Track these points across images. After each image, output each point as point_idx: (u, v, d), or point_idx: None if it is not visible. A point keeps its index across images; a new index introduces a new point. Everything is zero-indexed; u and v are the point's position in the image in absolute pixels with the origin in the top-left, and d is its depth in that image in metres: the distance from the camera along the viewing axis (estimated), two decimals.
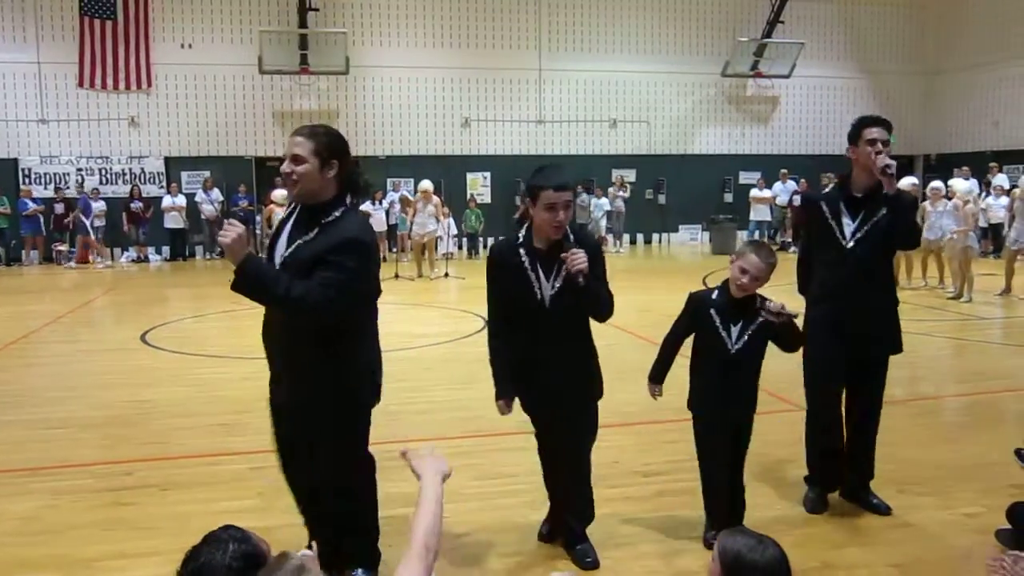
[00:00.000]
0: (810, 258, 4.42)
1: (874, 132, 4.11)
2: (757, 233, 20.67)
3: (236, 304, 11.82)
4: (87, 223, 18.25)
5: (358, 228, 3.24)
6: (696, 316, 3.92)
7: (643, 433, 5.33)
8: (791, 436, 4.49)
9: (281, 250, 3.26)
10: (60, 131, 19.26)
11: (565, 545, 3.87)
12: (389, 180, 19.99)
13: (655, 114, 22.32)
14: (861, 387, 4.30)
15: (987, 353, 8.90)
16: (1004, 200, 16.16)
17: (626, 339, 8.39)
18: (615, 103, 21.99)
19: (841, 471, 4.38)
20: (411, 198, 16.15)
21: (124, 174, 19.64)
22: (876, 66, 23.27)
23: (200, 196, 19.38)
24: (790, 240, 20.34)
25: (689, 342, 4.02)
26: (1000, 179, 18.42)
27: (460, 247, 19.98)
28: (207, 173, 19.60)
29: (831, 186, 4.36)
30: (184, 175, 19.77)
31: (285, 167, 3.21)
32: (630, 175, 21.88)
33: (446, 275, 15.60)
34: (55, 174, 19.26)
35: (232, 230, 2.98)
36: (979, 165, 19.37)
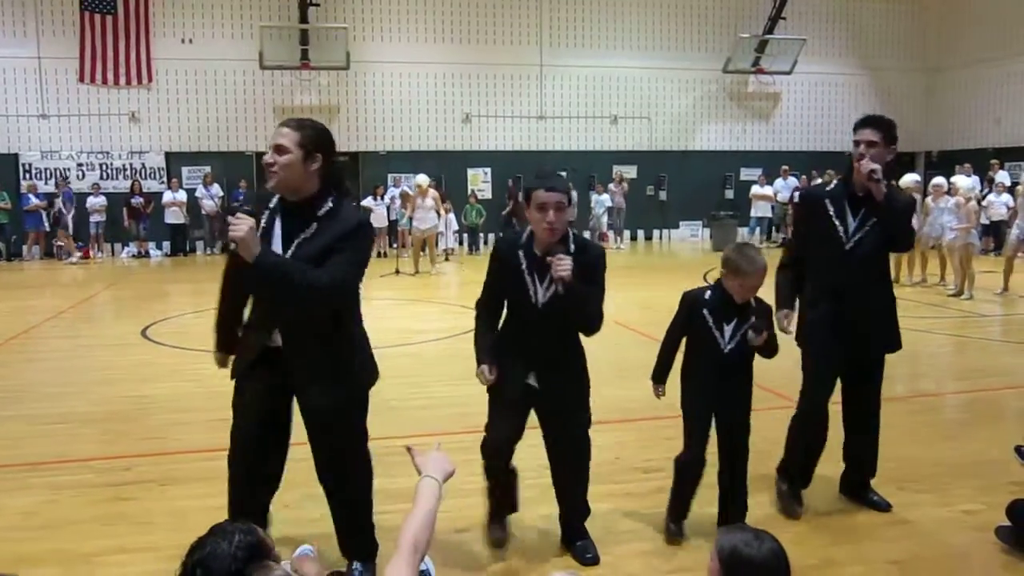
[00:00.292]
0: (802, 257, 4.31)
1: (859, 133, 4.07)
2: (759, 230, 20.69)
3: None
4: (68, 218, 18.22)
5: (360, 215, 3.37)
6: (690, 315, 3.91)
7: (644, 429, 5.33)
8: None
9: (278, 250, 3.20)
10: (60, 126, 19.26)
11: (564, 542, 3.87)
12: (390, 176, 19.99)
13: (656, 110, 22.30)
14: (861, 386, 4.28)
15: (987, 350, 8.90)
16: (1006, 197, 16.15)
17: (627, 335, 8.39)
18: (616, 99, 21.97)
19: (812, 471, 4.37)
20: (411, 193, 16.16)
21: (124, 169, 19.64)
22: (878, 63, 23.24)
23: (200, 191, 19.38)
24: (791, 236, 20.34)
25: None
26: (1001, 176, 18.41)
27: (461, 242, 19.98)
28: (207, 168, 19.59)
29: (834, 183, 4.28)
30: (184, 170, 19.76)
31: (267, 157, 3.18)
32: (631, 171, 21.87)
33: (446, 258, 15.58)
34: (55, 169, 19.26)
35: (242, 223, 2.96)
36: (981, 162, 19.37)
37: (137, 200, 18.95)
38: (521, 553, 3.87)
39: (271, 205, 3.27)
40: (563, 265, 3.37)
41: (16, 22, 18.84)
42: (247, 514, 3.26)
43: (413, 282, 14.47)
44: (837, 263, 4.10)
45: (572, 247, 3.52)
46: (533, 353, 3.62)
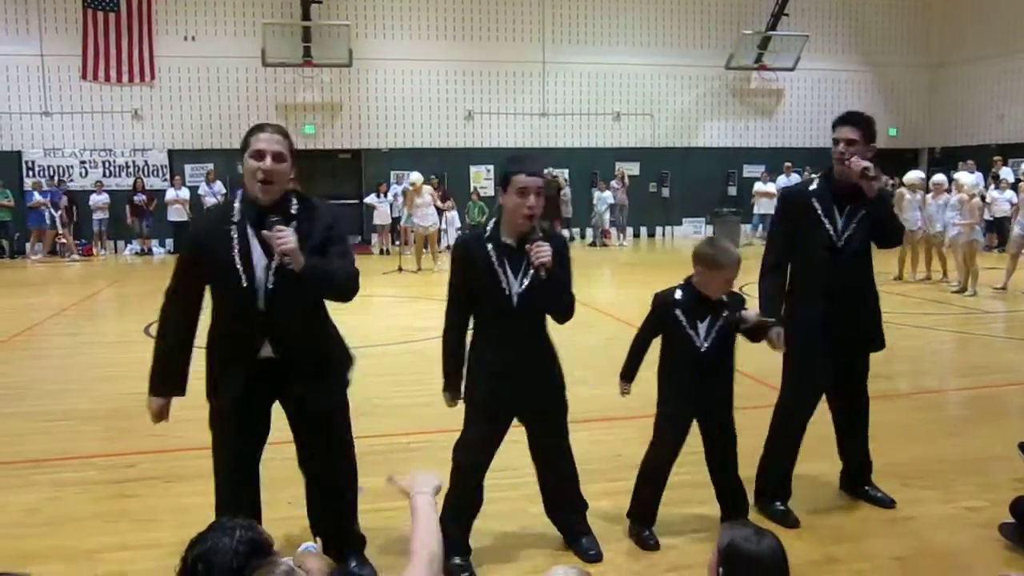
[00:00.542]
0: (785, 259, 4.19)
1: (838, 131, 4.01)
2: (761, 227, 20.65)
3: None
4: (56, 216, 18.20)
5: (331, 208, 3.36)
6: (662, 317, 3.86)
7: (645, 427, 5.30)
8: None
9: (262, 259, 3.16)
10: (63, 124, 19.27)
11: (567, 540, 3.86)
12: (392, 173, 19.99)
13: (659, 107, 22.27)
14: (849, 386, 4.23)
15: (991, 347, 8.89)
16: (1009, 194, 16.11)
17: (629, 332, 8.36)
18: (619, 96, 21.95)
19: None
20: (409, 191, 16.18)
21: (127, 167, 19.66)
22: (881, 59, 23.19)
23: (203, 189, 19.37)
24: (773, 239, 20.25)
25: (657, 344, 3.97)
26: (1005, 172, 18.37)
27: None
28: (210, 166, 19.60)
29: (816, 182, 4.17)
30: (187, 168, 19.77)
31: (266, 166, 3.10)
32: (633, 168, 21.86)
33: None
34: (58, 167, 19.28)
35: (289, 234, 3.00)
36: (984, 158, 19.33)
37: (140, 197, 18.97)
38: (523, 549, 3.87)
39: (235, 219, 3.19)
40: (543, 250, 3.32)
41: (19, 19, 18.85)
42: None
43: (416, 279, 14.47)
44: (829, 262, 4.02)
45: (540, 235, 3.43)
46: (509, 351, 3.50)
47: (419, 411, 6.08)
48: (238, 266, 3.16)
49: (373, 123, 20.65)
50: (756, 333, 3.89)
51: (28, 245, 18.61)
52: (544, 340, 3.62)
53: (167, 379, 3.34)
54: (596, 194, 20.65)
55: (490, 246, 3.49)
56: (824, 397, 4.26)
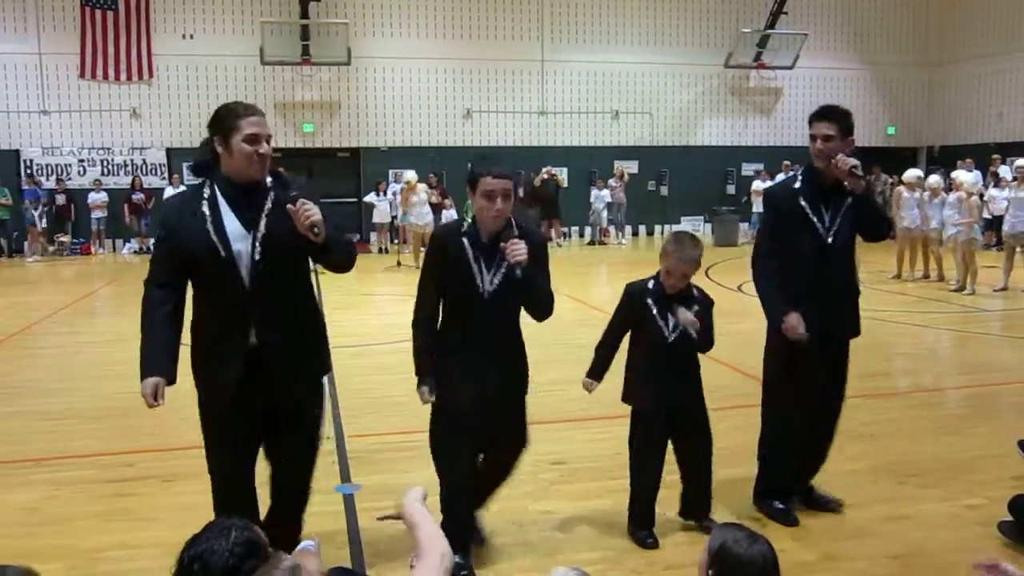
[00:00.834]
0: (767, 252, 4.16)
1: (814, 127, 4.00)
2: (759, 225, 20.65)
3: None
4: (35, 215, 18.13)
5: (303, 183, 3.31)
6: (634, 306, 3.90)
7: None
8: None
9: (241, 232, 3.12)
10: (62, 122, 19.25)
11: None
12: (391, 171, 19.98)
13: (657, 105, 22.27)
14: (835, 382, 4.18)
15: (989, 345, 8.89)
16: (1007, 191, 16.11)
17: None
18: (617, 94, 21.94)
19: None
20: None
21: (125, 165, 19.64)
22: (879, 57, 23.19)
23: None
24: (763, 241, 20.22)
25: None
26: (1004, 171, 18.37)
27: None
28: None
29: (799, 180, 4.14)
30: (185, 166, 19.66)
31: (264, 149, 3.11)
32: (632, 167, 21.85)
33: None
34: (57, 165, 19.26)
35: (313, 206, 3.02)
36: (982, 157, 19.33)
37: (138, 196, 18.95)
38: (523, 548, 3.87)
39: (206, 196, 3.16)
40: (518, 249, 3.29)
41: (17, 18, 18.82)
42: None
43: (414, 277, 14.46)
44: (820, 259, 4.00)
45: (516, 232, 3.40)
46: (477, 346, 3.47)
47: (417, 409, 6.07)
48: (213, 238, 3.10)
49: (372, 121, 20.64)
50: (700, 341, 3.85)
51: (26, 244, 18.58)
52: (513, 338, 3.60)
53: (148, 360, 3.21)
54: (594, 192, 20.64)
55: (466, 241, 3.47)
56: None
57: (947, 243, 12.22)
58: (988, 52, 21.71)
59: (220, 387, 3.24)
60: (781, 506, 4.17)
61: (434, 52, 20.62)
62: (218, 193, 3.15)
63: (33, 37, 18.86)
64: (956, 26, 22.87)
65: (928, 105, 23.57)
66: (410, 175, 15.60)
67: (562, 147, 21.47)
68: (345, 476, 4.80)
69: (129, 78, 19.37)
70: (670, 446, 3.98)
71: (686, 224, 22.44)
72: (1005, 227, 12.25)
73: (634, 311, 3.91)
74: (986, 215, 14.83)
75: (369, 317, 9.59)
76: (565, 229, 21.02)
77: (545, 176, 19.85)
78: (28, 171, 18.99)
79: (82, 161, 19.42)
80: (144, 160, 19.72)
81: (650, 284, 3.92)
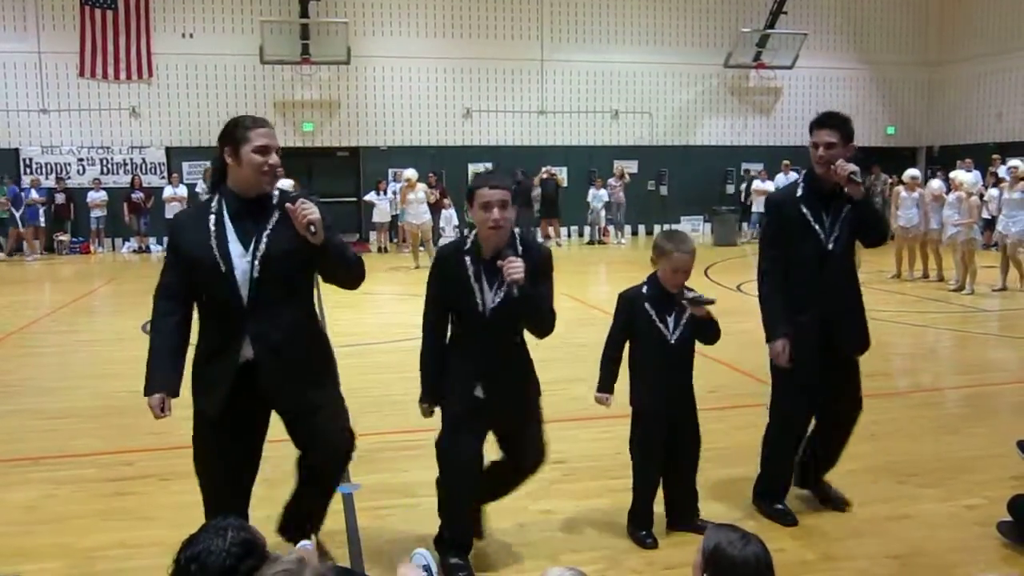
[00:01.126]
0: (779, 265, 4.14)
1: (816, 135, 4.00)
2: (759, 226, 20.63)
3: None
4: (16, 215, 18.06)
5: (308, 196, 3.30)
6: (631, 314, 3.88)
7: None
8: None
9: (239, 248, 3.14)
10: (61, 121, 19.24)
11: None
12: (391, 170, 19.97)
13: (657, 105, 22.26)
14: (842, 387, 4.17)
15: (989, 345, 8.90)
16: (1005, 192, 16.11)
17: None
18: (617, 94, 21.93)
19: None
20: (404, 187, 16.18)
21: (125, 164, 19.63)
22: (879, 57, 23.19)
23: (201, 186, 19.30)
24: (766, 249, 20.21)
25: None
26: (1003, 171, 18.37)
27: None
28: (208, 163, 19.49)
29: (800, 186, 4.15)
30: (185, 165, 19.74)
31: (273, 160, 3.14)
32: (632, 166, 21.84)
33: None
34: (56, 164, 19.25)
35: (313, 206, 3.01)
36: (982, 157, 19.33)
37: (137, 195, 18.94)
38: (523, 548, 3.87)
39: (214, 209, 3.19)
40: (515, 267, 3.26)
41: (16, 17, 18.81)
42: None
43: (415, 276, 14.47)
44: (820, 265, 4.01)
45: (519, 248, 3.42)
46: (480, 363, 3.49)
47: (415, 408, 6.07)
48: (215, 253, 3.12)
49: (371, 121, 20.63)
50: (708, 331, 3.86)
51: (25, 243, 18.56)
52: (519, 353, 3.59)
53: (154, 376, 3.22)
54: (591, 192, 20.60)
55: (468, 259, 3.48)
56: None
57: (946, 243, 12.22)
58: (987, 52, 21.71)
59: (206, 409, 3.26)
60: (780, 506, 4.17)
61: (434, 51, 20.62)
62: (224, 208, 3.18)
63: (32, 36, 18.85)
64: (956, 26, 22.87)
65: (928, 105, 23.57)
66: (410, 173, 15.61)
67: (562, 146, 21.47)
68: (344, 475, 4.79)
69: (128, 77, 19.36)
70: None
71: (685, 224, 22.43)
72: (998, 227, 12.26)
73: (632, 318, 3.89)
74: (985, 215, 14.83)
75: (368, 316, 9.58)
76: (564, 229, 21.03)
77: (544, 176, 19.85)
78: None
79: (81, 160, 19.41)
80: (143, 159, 19.71)
81: (644, 289, 3.91)
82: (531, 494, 4.31)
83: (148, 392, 3.21)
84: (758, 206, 20.60)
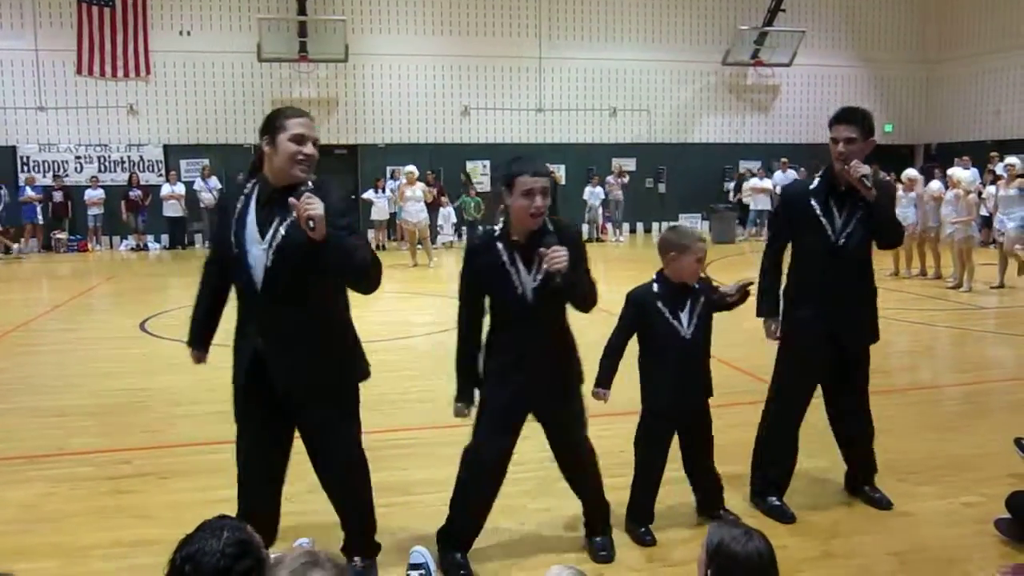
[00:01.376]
0: (781, 255, 4.25)
1: (835, 130, 3.98)
2: (758, 223, 20.64)
3: (234, 292, 11.82)
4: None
5: (340, 189, 3.34)
6: (642, 312, 3.87)
7: (634, 423, 5.33)
8: None
9: (255, 236, 3.16)
10: (58, 119, 19.20)
11: (586, 535, 3.84)
12: (389, 168, 19.95)
13: (655, 103, 22.26)
14: (848, 383, 4.21)
15: (987, 342, 8.90)
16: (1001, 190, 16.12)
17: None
18: (615, 91, 21.93)
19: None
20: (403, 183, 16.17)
21: (123, 162, 19.59)
22: (877, 55, 23.19)
23: (199, 184, 19.34)
24: (773, 238, 20.26)
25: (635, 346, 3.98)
26: (1001, 168, 18.38)
27: (460, 236, 19.94)
28: (206, 161, 19.55)
29: (816, 180, 4.15)
30: (183, 163, 19.71)
31: (309, 150, 3.15)
32: (630, 164, 21.83)
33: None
34: (54, 162, 19.22)
35: (317, 202, 2.96)
36: (980, 154, 19.33)
37: (135, 193, 18.91)
38: (522, 546, 3.86)
39: (246, 192, 3.26)
40: (559, 257, 3.25)
41: (13, 14, 18.76)
42: (261, 520, 3.28)
43: (412, 274, 14.48)
44: (826, 261, 4.02)
45: (550, 228, 3.43)
46: (522, 348, 3.46)
47: (413, 407, 6.08)
48: (231, 235, 3.20)
49: (369, 118, 20.60)
50: (737, 304, 3.94)
51: (22, 240, 18.55)
52: (561, 335, 3.58)
53: (191, 332, 3.60)
54: (587, 190, 20.58)
55: (500, 245, 3.46)
56: (823, 396, 4.26)
57: (945, 241, 12.23)
58: (985, 50, 21.72)
59: (235, 377, 3.39)
60: (776, 503, 4.18)
61: (432, 49, 20.60)
62: (254, 194, 3.22)
63: (30, 33, 18.81)
64: (953, 24, 22.88)
65: (925, 103, 23.57)
66: (410, 168, 15.60)
67: (560, 144, 21.45)
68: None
69: (126, 75, 19.33)
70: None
71: (684, 221, 22.43)
72: (995, 224, 12.27)
73: (642, 317, 3.88)
74: (983, 212, 14.84)
75: (368, 314, 9.52)
76: None
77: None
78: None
79: (79, 158, 19.37)
80: (141, 157, 19.67)
81: (654, 287, 3.90)
82: (529, 492, 4.31)
83: (188, 344, 3.61)
84: (756, 204, 20.63)
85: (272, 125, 3.19)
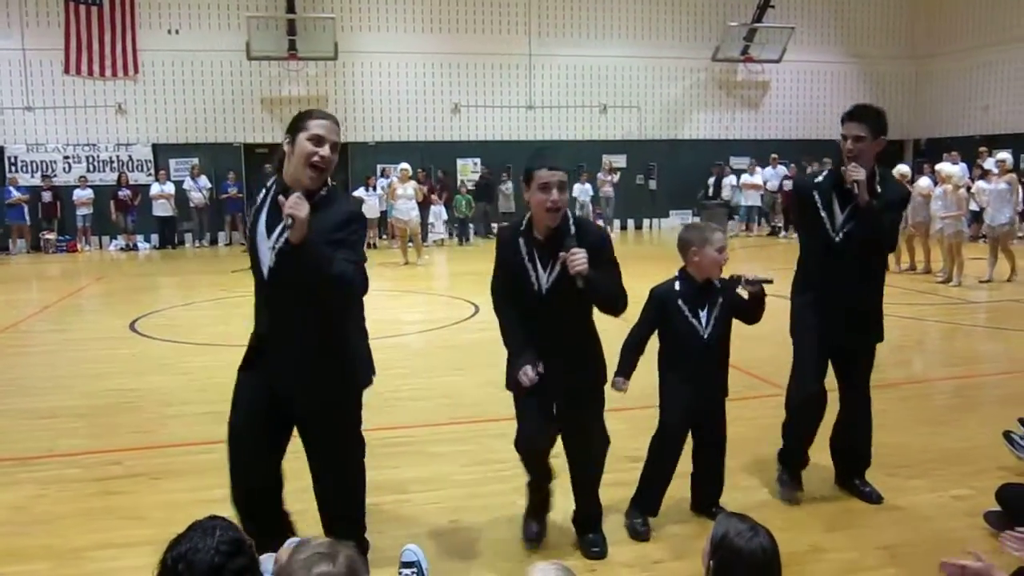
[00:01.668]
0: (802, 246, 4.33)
1: (845, 127, 4.02)
2: (747, 220, 20.70)
3: (225, 292, 11.80)
4: None
5: (354, 203, 3.35)
6: (663, 310, 3.90)
7: (633, 419, 5.32)
8: (779, 420, 4.49)
9: (264, 237, 3.18)
10: (46, 118, 19.10)
11: (577, 533, 3.85)
12: (379, 166, 19.91)
13: (645, 99, 22.27)
14: (848, 378, 4.26)
15: (976, 336, 8.94)
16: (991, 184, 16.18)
17: (617, 325, 8.39)
18: (605, 88, 21.93)
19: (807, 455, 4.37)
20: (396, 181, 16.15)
21: (111, 161, 19.50)
22: (866, 51, 23.27)
23: (188, 184, 19.27)
24: (780, 225, 20.37)
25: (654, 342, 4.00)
26: (990, 163, 18.46)
27: (451, 234, 19.93)
28: (195, 160, 19.49)
29: (824, 174, 4.22)
30: (172, 162, 19.64)
31: (325, 152, 3.12)
32: (620, 160, 21.85)
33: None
34: (42, 162, 19.12)
35: (303, 203, 2.94)
36: (969, 150, 19.41)
37: (124, 192, 18.82)
38: (516, 544, 3.86)
39: (268, 186, 3.30)
40: (578, 259, 3.30)
41: None
42: (253, 513, 3.27)
43: (403, 272, 14.46)
44: (825, 255, 4.06)
45: (573, 229, 3.46)
46: (543, 342, 3.52)
47: (404, 405, 6.08)
48: (248, 228, 3.30)
49: (359, 117, 20.56)
50: (755, 310, 3.91)
51: (10, 242, 18.45)
52: (579, 333, 3.61)
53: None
54: (576, 187, 20.57)
55: (521, 241, 3.53)
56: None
57: (934, 236, 12.27)
58: (974, 45, 21.80)
59: (244, 361, 3.38)
60: (784, 478, 4.30)
61: (421, 47, 20.57)
62: (272, 190, 3.24)
63: (16, 33, 18.70)
64: (942, 19, 22.96)
65: (914, 98, 23.66)
66: (403, 166, 15.60)
67: (550, 141, 21.43)
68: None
69: (114, 74, 19.24)
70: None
71: (675, 218, 22.46)
72: (987, 220, 12.32)
73: (662, 314, 3.91)
74: (973, 207, 14.90)
75: None
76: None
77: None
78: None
79: (67, 158, 19.27)
80: (130, 156, 19.59)
81: (676, 285, 3.92)
82: (519, 490, 4.30)
83: None
84: (746, 200, 20.67)
85: (296, 125, 3.20)
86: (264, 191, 3.28)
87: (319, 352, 3.22)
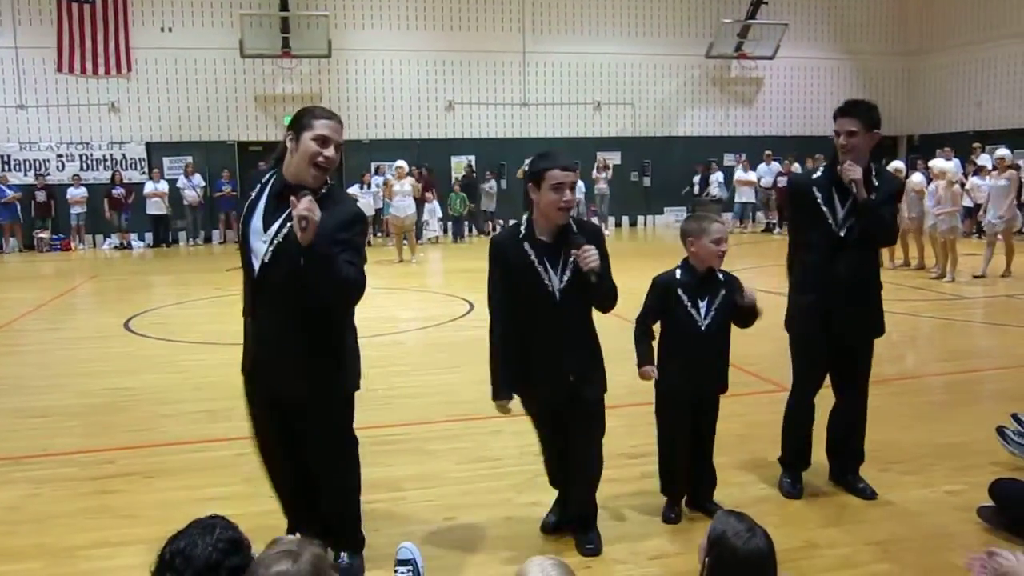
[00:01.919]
0: (795, 242, 4.33)
1: (839, 123, 4.03)
2: (740, 217, 20.73)
3: (219, 290, 11.78)
4: None
5: (355, 203, 3.33)
6: (664, 299, 3.93)
7: (628, 415, 5.33)
8: (774, 417, 4.51)
9: (259, 229, 3.16)
10: (39, 117, 19.04)
11: (573, 530, 3.85)
12: (373, 164, 19.90)
13: (639, 96, 22.28)
14: (847, 373, 4.27)
15: (969, 332, 8.97)
16: (989, 180, 16.22)
17: (612, 322, 8.38)
18: (599, 85, 21.94)
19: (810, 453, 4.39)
20: (391, 179, 16.15)
21: (105, 160, 19.45)
22: (859, 47, 23.30)
23: (182, 182, 19.23)
24: (775, 221, 20.39)
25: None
26: (983, 159, 18.50)
27: (446, 231, 19.92)
28: (189, 158, 19.45)
29: (820, 170, 4.22)
30: (166, 160, 19.60)
31: (329, 152, 3.12)
32: (615, 157, 21.85)
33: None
34: (35, 160, 19.06)
35: (316, 207, 2.93)
36: (962, 145, 19.46)
37: (118, 191, 18.78)
38: (509, 540, 3.87)
39: (263, 181, 3.27)
40: (590, 255, 3.32)
41: None
42: (303, 519, 3.32)
43: (398, 270, 14.45)
44: (830, 250, 4.05)
45: (574, 228, 3.48)
46: (552, 346, 3.50)
47: (402, 402, 6.08)
48: (241, 223, 3.25)
49: (353, 114, 20.52)
50: (748, 317, 3.93)
51: (2, 240, 18.40)
52: (587, 335, 3.63)
53: None
54: None
55: (527, 245, 3.49)
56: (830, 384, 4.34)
57: (928, 232, 12.31)
58: (967, 41, 21.85)
59: (245, 365, 3.37)
60: (787, 478, 4.31)
61: (415, 44, 20.55)
62: (270, 185, 3.22)
63: (9, 31, 18.63)
64: (935, 15, 23.00)
65: (907, 94, 23.71)
66: (400, 163, 15.61)
67: (544, 139, 21.41)
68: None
69: (108, 72, 19.18)
70: None
71: (669, 215, 22.50)
72: (987, 215, 12.35)
73: (664, 303, 3.94)
74: (967, 203, 14.93)
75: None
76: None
77: (527, 168, 19.81)
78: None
79: (60, 156, 19.22)
80: (124, 155, 19.54)
81: (678, 275, 3.95)
82: (516, 487, 4.32)
83: None
84: (740, 196, 20.70)
85: (299, 122, 3.18)
86: (260, 186, 3.26)
87: (309, 349, 3.21)
